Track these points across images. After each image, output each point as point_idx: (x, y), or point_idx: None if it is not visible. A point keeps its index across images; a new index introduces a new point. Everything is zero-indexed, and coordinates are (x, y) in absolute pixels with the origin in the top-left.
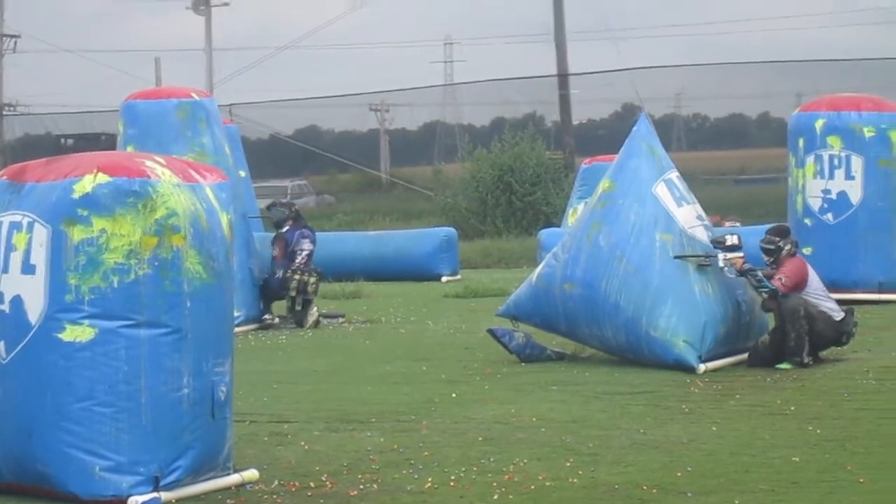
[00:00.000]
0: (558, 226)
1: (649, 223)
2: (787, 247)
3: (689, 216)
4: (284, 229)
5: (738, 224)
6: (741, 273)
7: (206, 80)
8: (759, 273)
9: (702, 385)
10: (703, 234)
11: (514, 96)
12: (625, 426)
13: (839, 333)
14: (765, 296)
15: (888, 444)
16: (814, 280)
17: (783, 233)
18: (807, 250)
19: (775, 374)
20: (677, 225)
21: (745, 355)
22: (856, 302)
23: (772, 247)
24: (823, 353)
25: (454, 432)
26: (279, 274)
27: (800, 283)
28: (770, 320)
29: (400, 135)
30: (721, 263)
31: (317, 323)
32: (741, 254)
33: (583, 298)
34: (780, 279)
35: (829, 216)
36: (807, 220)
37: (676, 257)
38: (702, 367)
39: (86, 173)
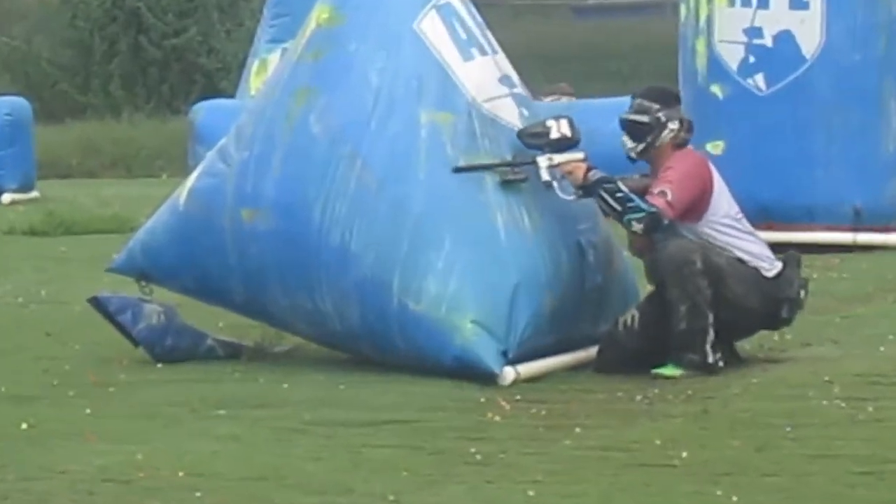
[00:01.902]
0: (231, 95)
1: (407, 91)
2: (673, 127)
3: (485, 78)
4: None
5: (570, 101)
6: (584, 190)
7: None
8: (621, 186)
9: (509, 409)
10: (512, 115)
11: None
12: (359, 487)
13: (772, 304)
14: (635, 228)
15: None
16: (722, 200)
17: (665, 98)
18: (714, 147)
19: (651, 386)
20: (463, 95)
21: (594, 350)
22: (809, 246)
23: (645, 120)
24: (745, 344)
25: (23, 497)
26: None
27: (697, 203)
28: (642, 283)
29: None
30: (545, 174)
31: None
32: (580, 154)
33: (278, 238)
34: (661, 192)
35: (759, 80)
36: (715, 89)
37: (458, 170)
38: (509, 374)
39: None
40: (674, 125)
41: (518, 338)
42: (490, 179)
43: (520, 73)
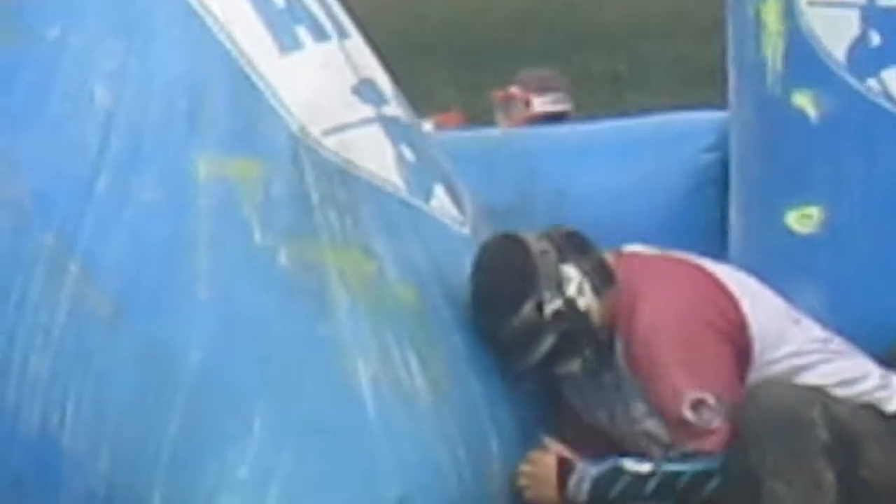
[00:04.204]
0: None
1: (169, 118)
2: (571, 294)
3: (326, 86)
4: None
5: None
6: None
7: None
8: (635, 467)
9: None
10: (380, 158)
11: None
12: None
13: None
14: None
15: None
16: (770, 319)
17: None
18: (801, 220)
19: None
20: (282, 122)
21: None
22: None
23: (557, 305)
24: None
25: None
26: None
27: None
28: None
29: None
30: None
31: None
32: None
33: None
34: (698, 403)
35: (891, 81)
36: (801, 101)
37: None
38: None
39: None
40: (571, 286)
41: None
42: (343, 291)
43: (404, 70)
